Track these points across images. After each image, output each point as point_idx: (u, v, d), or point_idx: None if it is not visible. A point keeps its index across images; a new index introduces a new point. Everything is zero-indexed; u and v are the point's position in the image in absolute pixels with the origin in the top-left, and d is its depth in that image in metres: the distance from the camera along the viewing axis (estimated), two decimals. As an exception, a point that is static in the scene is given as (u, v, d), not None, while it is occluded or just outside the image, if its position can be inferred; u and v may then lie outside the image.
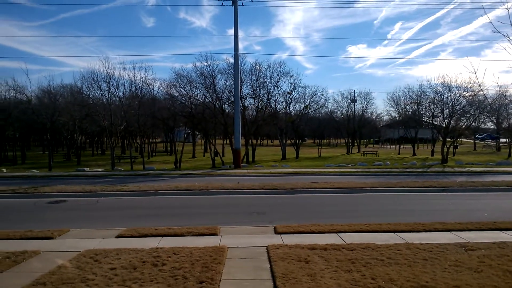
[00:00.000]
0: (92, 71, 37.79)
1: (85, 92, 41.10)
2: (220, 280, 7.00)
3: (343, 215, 13.30)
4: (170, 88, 41.73)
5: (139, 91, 38.47)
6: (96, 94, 37.34)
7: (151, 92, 43.67)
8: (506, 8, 7.64)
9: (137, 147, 57.09)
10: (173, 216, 13.61)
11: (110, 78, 35.07)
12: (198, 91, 40.53)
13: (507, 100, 34.40)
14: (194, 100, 40.16)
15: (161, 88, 44.89)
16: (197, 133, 55.50)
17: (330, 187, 19.00)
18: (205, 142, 56.89)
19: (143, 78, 38.38)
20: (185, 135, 48.20)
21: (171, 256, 8.27)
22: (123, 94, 38.70)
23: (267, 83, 42.67)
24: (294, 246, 8.96)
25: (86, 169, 30.98)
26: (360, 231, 10.51)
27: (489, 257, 8.10)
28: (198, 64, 40.38)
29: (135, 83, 37.61)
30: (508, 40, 7.54)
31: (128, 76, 40.48)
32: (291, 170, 28.28)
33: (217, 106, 40.18)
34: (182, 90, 40.19)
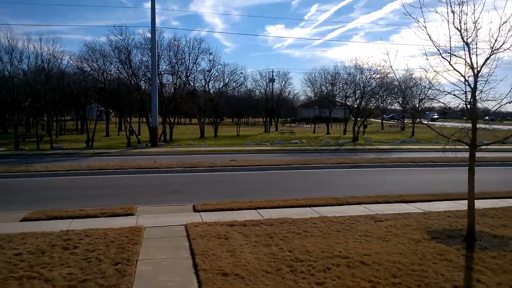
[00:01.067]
0: (-9, 41, 34.17)
1: (-18, 64, 37.20)
2: (137, 261, 6.76)
3: (262, 192, 13.53)
4: (81, 62, 39.23)
5: (46, 64, 35.62)
6: (-4, 66, 33.95)
7: (60, 66, 40.64)
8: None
9: (44, 125, 53.18)
10: (86, 197, 12.89)
11: (12, 50, 32.10)
12: (112, 66, 38.56)
13: (412, 83, 37.10)
14: (107, 76, 38.20)
15: (71, 62, 41.77)
16: (111, 110, 52.94)
17: (249, 165, 19.24)
18: (120, 120, 54.50)
19: (50, 50, 35.55)
20: (98, 113, 45.70)
21: (83, 238, 7.81)
22: (28, 67, 35.68)
23: (186, 59, 41.62)
24: (213, 224, 8.92)
25: (-16, 148, 28.20)
26: (278, 207, 10.76)
27: (395, 227, 8.73)
28: (112, 37, 38.01)
29: (41, 55, 34.77)
30: (417, 24, 7.97)
31: (34, 48, 37.12)
32: (209, 149, 28.16)
33: (133, 82, 38.48)
34: (94, 64, 38.01)
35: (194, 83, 45.14)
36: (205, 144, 33.30)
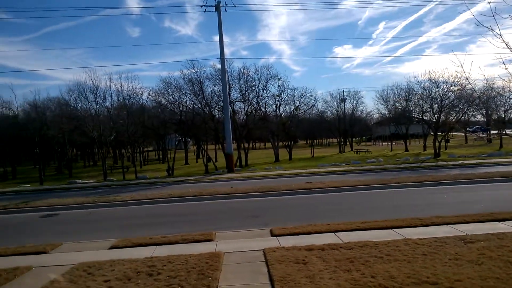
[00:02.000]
0: (78, 83, 37.51)
1: (72, 105, 40.82)
2: (217, 287, 6.82)
3: (340, 214, 13.17)
4: (159, 96, 41.59)
5: (127, 100, 38.26)
6: (84, 105, 37.15)
7: (140, 101, 43.51)
8: (488, 2, 7.62)
9: (129, 156, 56.66)
10: (168, 224, 13.39)
11: (96, 89, 34.98)
12: (187, 98, 40.42)
13: (494, 93, 34.63)
14: (183, 107, 40.01)
15: (150, 96, 44.48)
16: (189, 139, 55.24)
17: (325, 186, 18.88)
18: (197, 148, 56.60)
19: (130, 87, 38.18)
20: (177, 142, 47.75)
21: (166, 264, 8.07)
22: (111, 104, 38.53)
23: (256, 86, 42.59)
24: (291, 248, 8.79)
25: (78, 181, 30.61)
26: (357, 229, 10.37)
27: (489, 248, 8.00)
28: (185, 71, 40.28)
29: (122, 93, 37.45)
30: (493, 33, 7.47)
31: (115, 86, 40.44)
32: (285, 172, 28.15)
33: (206, 112, 40.00)
34: (170, 97, 40.10)
35: (265, 108, 45.90)
36: (280, 167, 33.39)
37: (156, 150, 70.83)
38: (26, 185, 29.44)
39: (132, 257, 8.78)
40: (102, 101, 35.94)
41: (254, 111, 43.64)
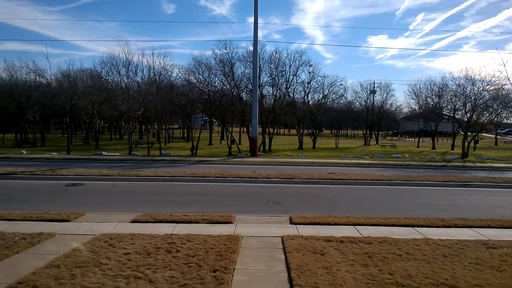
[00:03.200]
0: (111, 56, 37.88)
1: (104, 77, 41.33)
2: (234, 270, 6.90)
3: (360, 208, 13.09)
4: (189, 74, 41.74)
5: (157, 77, 38.55)
6: (115, 79, 37.51)
7: (169, 78, 43.79)
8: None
9: (155, 132, 57.42)
10: (188, 203, 13.60)
11: (129, 63, 35.20)
12: (217, 78, 40.51)
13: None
14: (212, 87, 40.12)
15: (180, 74, 44.94)
16: (214, 120, 55.55)
17: (347, 178, 18.75)
18: (222, 129, 56.88)
19: (161, 64, 38.47)
20: (202, 122, 48.15)
21: (185, 243, 8.21)
22: (142, 79, 38.86)
23: (286, 72, 42.29)
24: (309, 238, 8.81)
25: (104, 153, 31.27)
26: (377, 225, 10.30)
27: (511, 255, 7.83)
28: (217, 51, 40.22)
29: (153, 68, 37.70)
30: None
31: (147, 61, 40.73)
32: (307, 160, 28.04)
33: (235, 93, 40.04)
34: (200, 77, 40.17)
35: (293, 95, 45.66)
36: (303, 155, 33.27)
37: (181, 128, 71.58)
38: (54, 153, 30.25)
39: (153, 233, 8.97)
40: (134, 75, 36.28)
41: (282, 97, 43.44)
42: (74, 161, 25.27)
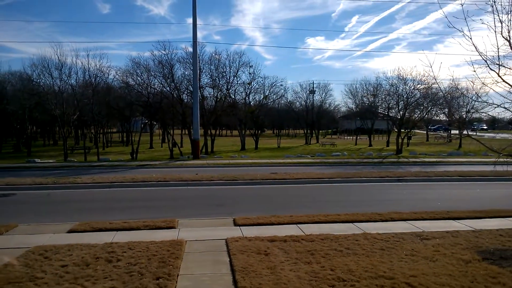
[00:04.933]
0: (43, 58, 35.67)
1: (35, 80, 39.17)
2: (177, 276, 6.78)
3: (303, 206, 13.35)
4: (126, 76, 40.54)
5: (93, 79, 37.02)
6: (47, 82, 35.64)
7: (106, 81, 42.22)
8: (461, 4, 7.78)
9: (92, 137, 55.21)
10: (129, 209, 13.18)
11: (62, 66, 33.57)
12: (156, 80, 39.60)
13: (458, 93, 35.72)
14: (151, 89, 39.19)
15: (117, 76, 43.41)
16: (155, 123, 54.37)
17: (290, 178, 19.07)
18: (163, 132, 55.80)
19: (97, 65, 36.96)
20: (142, 125, 46.85)
21: (126, 251, 7.95)
22: (76, 82, 37.27)
23: (227, 73, 42.17)
24: (253, 239, 8.85)
25: (37, 160, 29.55)
26: (319, 222, 10.55)
27: (443, 246, 8.32)
28: (156, 52, 39.16)
29: (89, 71, 36.18)
30: (463, 34, 7.66)
31: (82, 63, 38.80)
32: (250, 161, 28.21)
33: (175, 95, 39.45)
34: (139, 78, 39.13)
35: (234, 96, 45.64)
36: (246, 156, 33.43)
37: (120, 132, 69.30)
38: (-19, 162, 28.22)
39: (91, 242, 8.60)
40: (67, 78, 34.60)
41: (223, 98, 43.32)
42: (4, 169, 23.73)
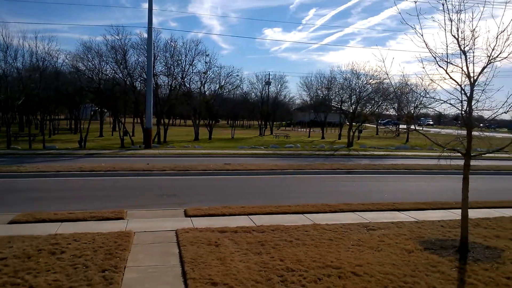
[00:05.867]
0: (-16, 38, 33.67)
1: (-24, 62, 36.82)
2: (124, 268, 6.61)
3: (255, 197, 13.42)
4: (77, 61, 38.89)
5: (41, 63, 35.36)
6: (-10, 64, 33.61)
7: (55, 65, 40.36)
8: (414, 1, 8.00)
9: (38, 124, 52.75)
10: (76, 199, 12.70)
11: (7, 47, 31.83)
12: (108, 65, 38.22)
13: (408, 89, 37.05)
14: (103, 75, 37.89)
15: (67, 60, 41.41)
16: (106, 110, 52.65)
17: (243, 169, 19.10)
18: (114, 120, 54.22)
19: (46, 49, 35.29)
20: (92, 113, 45.21)
21: (71, 243, 7.65)
22: (23, 65, 35.42)
23: (182, 61, 41.38)
24: (204, 230, 8.79)
25: (-24, 147, 27.88)
26: (270, 213, 10.64)
27: (388, 236, 8.63)
28: (108, 37, 37.68)
29: (36, 54, 34.52)
30: (415, 31, 7.88)
31: (29, 46, 36.92)
32: (203, 152, 28.00)
33: (128, 82, 38.28)
34: (89, 64, 37.68)
35: (189, 85, 44.89)
36: (200, 146, 33.14)
37: (68, 119, 66.63)
38: None
39: (34, 234, 8.21)
40: (13, 61, 32.90)
41: (178, 87, 42.55)
42: None
